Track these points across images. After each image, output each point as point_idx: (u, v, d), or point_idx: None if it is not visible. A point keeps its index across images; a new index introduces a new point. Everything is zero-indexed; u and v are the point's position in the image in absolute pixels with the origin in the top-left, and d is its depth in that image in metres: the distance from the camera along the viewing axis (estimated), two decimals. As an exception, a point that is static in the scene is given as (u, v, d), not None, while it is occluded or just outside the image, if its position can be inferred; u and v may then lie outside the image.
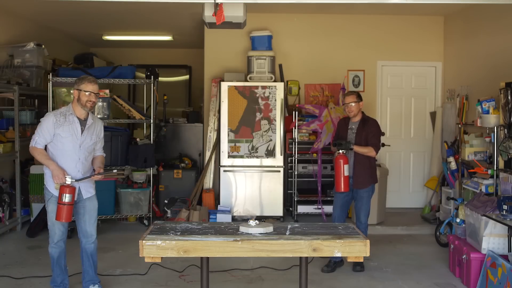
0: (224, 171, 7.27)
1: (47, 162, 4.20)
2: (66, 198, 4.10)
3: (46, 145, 4.30)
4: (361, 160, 5.22)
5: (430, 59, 8.15)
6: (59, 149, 4.24)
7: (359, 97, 5.24)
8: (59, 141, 4.22)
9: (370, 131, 5.22)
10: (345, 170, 5.10)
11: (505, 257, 4.36)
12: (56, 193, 4.20)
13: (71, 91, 6.66)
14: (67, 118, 4.23)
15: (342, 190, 5.16)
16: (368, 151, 5.18)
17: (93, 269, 4.53)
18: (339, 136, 5.40)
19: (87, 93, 4.20)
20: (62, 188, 4.11)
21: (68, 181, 4.14)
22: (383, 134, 8.20)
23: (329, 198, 7.03)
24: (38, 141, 4.23)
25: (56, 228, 4.31)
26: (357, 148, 5.17)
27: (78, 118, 4.27)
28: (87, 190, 4.39)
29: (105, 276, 4.95)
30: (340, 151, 5.14)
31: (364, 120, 5.30)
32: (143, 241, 3.14)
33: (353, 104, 5.19)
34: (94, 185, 4.48)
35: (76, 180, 4.24)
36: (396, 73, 8.20)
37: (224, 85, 7.22)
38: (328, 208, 6.91)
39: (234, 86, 7.22)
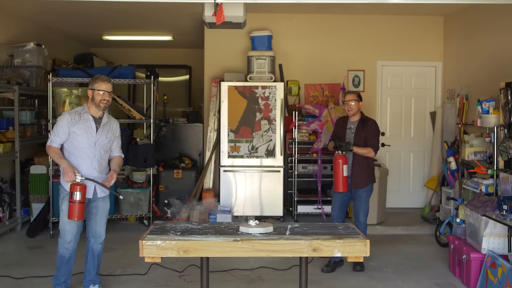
0: (224, 171, 7.27)
1: (59, 161, 4.25)
2: (77, 196, 4.11)
3: (62, 145, 4.35)
4: (360, 160, 5.25)
5: (430, 59, 8.15)
6: (74, 147, 4.30)
7: (359, 97, 5.29)
8: (75, 139, 4.28)
9: (369, 131, 5.25)
10: (344, 170, 5.15)
11: (505, 257, 4.36)
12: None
13: (75, 90, 6.73)
14: (82, 117, 4.31)
15: (341, 190, 5.20)
16: (367, 152, 5.21)
17: (95, 269, 4.55)
18: (337, 136, 5.42)
19: (101, 92, 4.28)
20: (73, 186, 4.13)
21: (79, 179, 4.16)
22: (383, 134, 8.23)
23: (329, 198, 7.01)
24: (53, 140, 4.31)
25: (69, 228, 4.31)
26: (357, 150, 5.20)
27: (93, 117, 4.34)
28: (102, 190, 4.42)
29: (105, 276, 4.96)
30: (340, 152, 5.17)
31: (363, 120, 5.33)
32: (143, 241, 3.14)
33: (353, 102, 5.22)
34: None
35: (86, 178, 4.24)
36: (396, 73, 8.20)
37: (224, 85, 7.22)
38: (328, 208, 6.87)
39: (234, 86, 7.22)
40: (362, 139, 5.23)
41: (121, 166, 4.56)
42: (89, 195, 4.34)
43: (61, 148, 4.38)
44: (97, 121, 4.36)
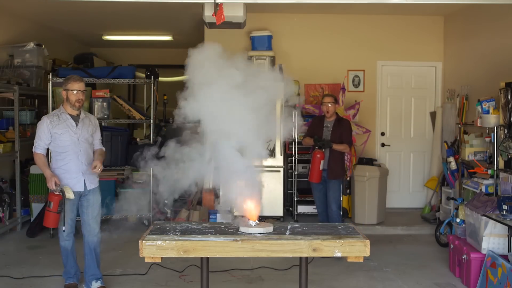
0: (224, 171, 7.24)
1: (43, 169, 4.44)
2: (51, 205, 4.32)
3: (48, 149, 4.52)
4: (336, 155, 5.84)
5: (430, 59, 8.14)
6: (59, 146, 4.45)
7: (336, 100, 5.96)
8: (58, 139, 4.43)
9: (344, 129, 5.87)
10: (321, 164, 5.75)
11: (505, 257, 4.36)
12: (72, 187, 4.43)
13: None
14: (61, 117, 4.47)
15: (315, 181, 5.82)
16: (344, 148, 5.84)
17: (95, 264, 4.62)
18: (314, 133, 5.94)
19: (74, 92, 4.42)
20: (50, 195, 4.33)
21: (58, 189, 4.32)
22: (382, 134, 8.25)
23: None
24: (37, 145, 4.47)
25: (65, 223, 4.46)
26: (336, 146, 5.79)
27: (71, 115, 4.49)
28: (91, 182, 4.55)
29: (105, 276, 4.95)
30: (322, 149, 5.74)
31: (338, 119, 5.92)
32: (143, 241, 3.14)
33: (330, 104, 5.84)
34: (98, 177, 4.67)
35: (65, 187, 4.37)
36: (396, 73, 8.20)
37: (224, 85, 7.19)
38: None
39: (234, 86, 7.19)
40: (338, 136, 5.83)
41: (104, 156, 4.71)
42: (80, 188, 4.49)
43: (48, 153, 4.56)
44: (75, 118, 4.51)
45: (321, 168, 5.74)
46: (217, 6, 4.81)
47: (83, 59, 9.58)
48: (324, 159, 5.76)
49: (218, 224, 3.63)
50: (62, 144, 4.43)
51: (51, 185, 4.32)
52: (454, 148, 6.76)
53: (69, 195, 4.38)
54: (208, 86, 3.27)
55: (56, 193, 4.32)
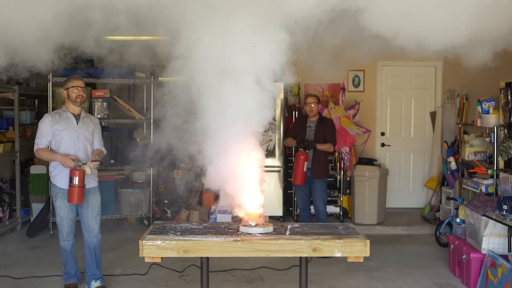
0: (224, 171, 7.24)
1: (53, 156, 4.44)
2: (75, 180, 4.30)
3: (48, 146, 4.54)
4: (320, 155, 5.85)
5: (430, 59, 8.12)
6: (59, 143, 4.48)
7: (319, 100, 5.99)
8: (58, 135, 4.47)
9: (328, 129, 5.89)
10: (304, 166, 5.73)
11: (505, 257, 4.36)
12: (64, 186, 4.40)
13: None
14: (62, 115, 4.53)
15: (298, 183, 5.77)
16: (328, 147, 5.87)
17: (95, 264, 4.63)
18: (296, 133, 5.98)
19: (75, 90, 4.49)
20: (72, 171, 4.32)
21: (78, 164, 4.35)
22: (382, 134, 8.24)
23: (329, 198, 7.01)
24: (38, 142, 4.48)
25: (64, 222, 4.51)
26: (320, 146, 5.79)
27: (72, 114, 4.54)
28: (89, 181, 4.54)
29: (105, 276, 4.95)
30: (306, 150, 5.73)
31: (322, 119, 5.95)
32: (143, 241, 3.14)
33: (313, 104, 5.85)
34: (97, 177, 4.68)
35: (83, 164, 4.41)
36: (396, 73, 8.20)
37: (224, 85, 7.19)
38: (329, 208, 6.93)
39: (234, 86, 7.19)
40: (321, 136, 5.83)
41: (102, 156, 4.71)
42: None
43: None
44: (77, 117, 4.57)
45: (305, 170, 5.72)
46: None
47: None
48: (308, 160, 5.75)
49: (218, 224, 3.63)
50: (61, 141, 4.46)
51: (69, 163, 4.32)
52: (454, 148, 6.76)
53: (87, 170, 4.39)
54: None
55: (78, 168, 4.33)
